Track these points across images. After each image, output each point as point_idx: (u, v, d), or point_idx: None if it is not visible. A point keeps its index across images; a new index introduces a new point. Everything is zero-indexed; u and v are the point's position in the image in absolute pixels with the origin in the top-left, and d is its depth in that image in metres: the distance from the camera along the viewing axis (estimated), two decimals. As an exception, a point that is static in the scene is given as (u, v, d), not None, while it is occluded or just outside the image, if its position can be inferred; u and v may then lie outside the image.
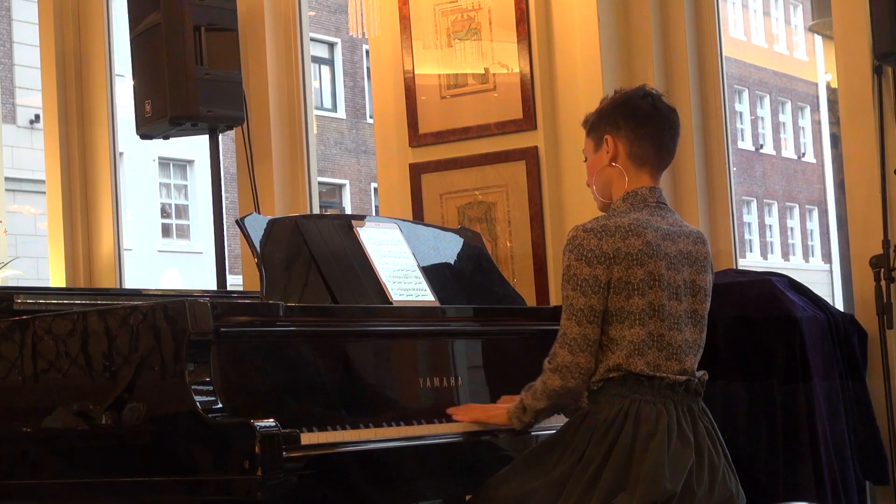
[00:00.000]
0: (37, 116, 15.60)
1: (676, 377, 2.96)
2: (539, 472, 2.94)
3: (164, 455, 2.88)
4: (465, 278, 3.80)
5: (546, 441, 3.04)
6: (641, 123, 3.09)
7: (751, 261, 21.51)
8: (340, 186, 20.73)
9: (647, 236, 2.97)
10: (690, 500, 2.85)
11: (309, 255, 3.41)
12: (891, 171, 4.26)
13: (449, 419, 3.28)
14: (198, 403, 2.80)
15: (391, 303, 3.43)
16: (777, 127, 23.90)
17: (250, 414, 2.85)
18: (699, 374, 3.05)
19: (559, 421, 3.26)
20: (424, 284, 3.55)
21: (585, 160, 3.21)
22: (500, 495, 2.96)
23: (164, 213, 18.76)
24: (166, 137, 5.19)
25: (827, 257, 23.27)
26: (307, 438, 2.87)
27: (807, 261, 23.76)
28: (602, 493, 2.83)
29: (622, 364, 2.94)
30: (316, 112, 13.12)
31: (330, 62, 20.63)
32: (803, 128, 24.41)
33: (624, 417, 2.91)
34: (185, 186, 18.84)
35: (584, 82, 4.62)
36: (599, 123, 3.14)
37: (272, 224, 3.41)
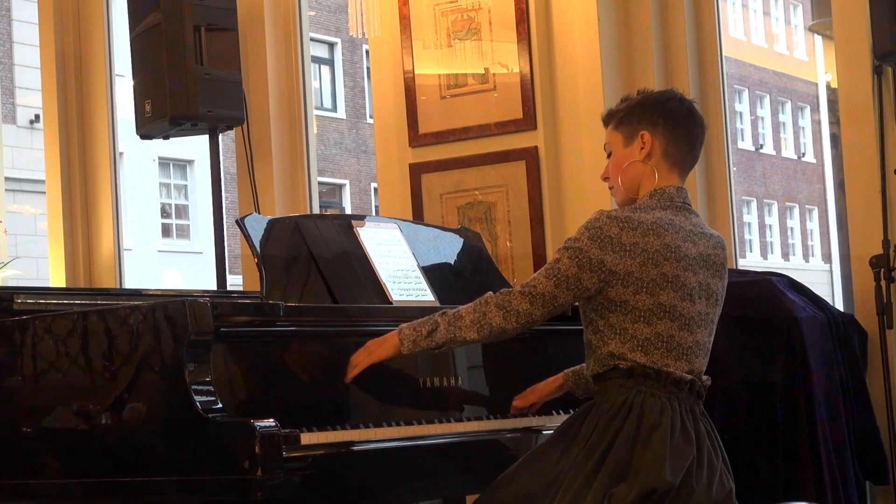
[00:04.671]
0: (37, 116, 15.60)
1: (682, 375, 2.97)
2: (544, 466, 2.95)
3: (163, 455, 2.88)
4: (465, 278, 3.80)
5: (551, 437, 3.04)
6: (678, 124, 3.11)
7: (751, 261, 21.52)
8: (340, 186, 20.74)
9: (666, 238, 2.97)
10: (689, 495, 2.86)
11: (309, 255, 3.41)
12: (891, 171, 4.26)
13: (449, 419, 3.28)
14: (198, 403, 2.80)
15: (391, 303, 3.43)
16: (777, 127, 23.91)
17: (250, 414, 2.85)
18: (704, 378, 3.06)
19: (559, 420, 3.26)
20: (424, 284, 3.55)
21: (609, 154, 3.19)
22: (507, 495, 2.95)
23: (164, 213, 18.76)
24: (166, 137, 5.19)
25: (827, 257, 23.28)
26: (307, 438, 2.87)
27: (807, 261, 23.77)
28: (603, 482, 2.83)
29: (626, 353, 2.95)
30: (316, 112, 13.12)
31: (330, 62, 20.63)
32: (803, 128, 24.43)
33: (629, 408, 2.92)
34: (185, 186, 18.84)
35: (584, 82, 4.62)
36: (633, 118, 3.13)
37: (272, 224, 3.41)
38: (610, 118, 3.19)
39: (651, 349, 2.95)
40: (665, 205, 3.05)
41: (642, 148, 3.10)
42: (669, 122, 3.10)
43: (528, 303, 2.98)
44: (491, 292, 3.05)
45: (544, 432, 3.35)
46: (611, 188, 3.20)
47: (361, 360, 3.12)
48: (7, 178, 9.78)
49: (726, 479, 2.97)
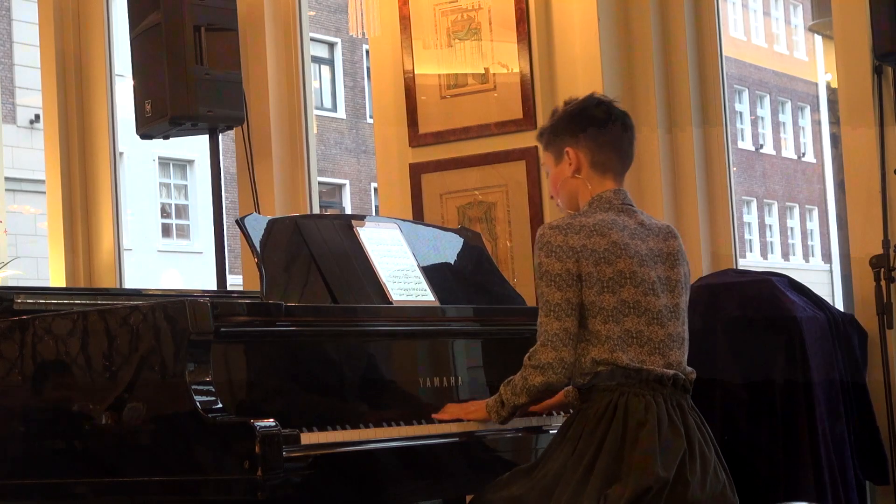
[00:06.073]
0: (37, 116, 15.60)
1: (663, 370, 2.99)
2: (537, 473, 2.97)
3: (163, 455, 2.88)
4: (465, 278, 3.80)
5: (547, 446, 3.06)
6: (600, 131, 3.14)
7: (751, 261, 21.52)
8: (340, 186, 20.73)
9: (612, 236, 3.01)
10: (684, 489, 2.88)
11: (309, 255, 3.41)
12: (891, 171, 4.26)
13: (448, 419, 3.28)
14: (198, 403, 2.80)
15: (391, 303, 3.43)
16: (777, 127, 23.90)
17: (250, 414, 2.85)
18: (688, 370, 3.07)
19: (559, 420, 3.27)
20: (424, 284, 3.55)
21: (547, 174, 3.25)
22: (497, 498, 2.98)
23: (164, 213, 18.76)
24: (166, 137, 5.19)
25: (827, 257, 23.28)
26: (307, 438, 2.87)
27: (807, 261, 23.76)
28: (596, 484, 2.86)
29: (607, 358, 2.98)
30: (316, 112, 13.12)
31: (330, 62, 20.63)
32: (803, 128, 24.42)
33: (613, 410, 2.94)
34: (185, 186, 18.84)
35: (584, 82, 4.62)
36: (557, 136, 3.19)
37: (272, 224, 3.41)
38: (541, 139, 3.25)
39: (625, 346, 2.98)
40: (605, 208, 3.10)
41: (570, 164, 3.15)
42: (590, 131, 3.14)
43: (551, 348, 3.00)
44: (528, 354, 3.06)
45: (544, 432, 3.35)
46: (558, 205, 3.26)
47: (455, 412, 3.22)
48: (7, 178, 9.76)
49: (720, 471, 2.99)
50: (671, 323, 3.05)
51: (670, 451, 2.90)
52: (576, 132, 3.14)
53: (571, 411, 3.23)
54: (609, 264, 2.99)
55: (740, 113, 22.79)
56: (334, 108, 20.62)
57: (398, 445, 3.10)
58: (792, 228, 24.05)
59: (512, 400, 3.08)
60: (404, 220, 3.84)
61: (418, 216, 4.84)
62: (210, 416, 2.80)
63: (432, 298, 3.53)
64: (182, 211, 18.98)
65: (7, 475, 3.21)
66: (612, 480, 2.85)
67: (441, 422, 3.22)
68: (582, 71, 4.63)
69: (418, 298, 3.51)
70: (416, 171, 4.88)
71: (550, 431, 3.27)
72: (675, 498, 2.86)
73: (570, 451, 2.93)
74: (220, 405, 2.85)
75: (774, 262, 22.47)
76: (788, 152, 24.09)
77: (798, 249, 24.01)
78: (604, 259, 2.99)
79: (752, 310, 4.06)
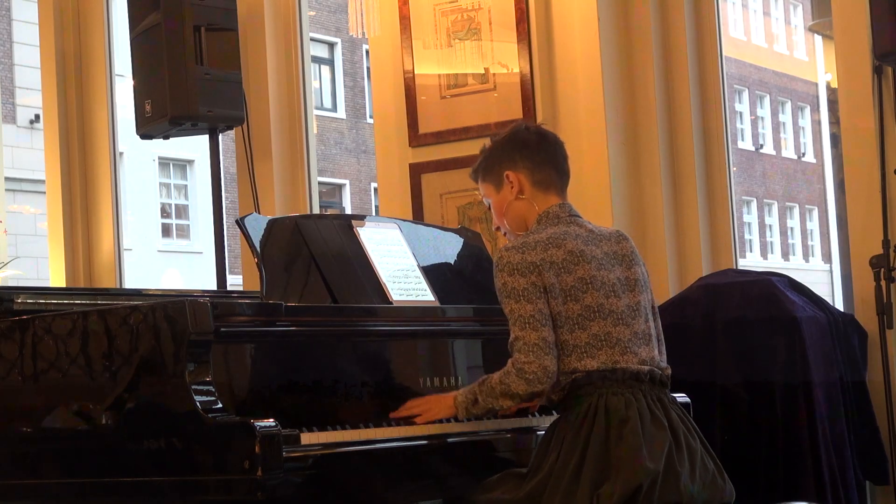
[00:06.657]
0: (37, 116, 15.60)
1: (639, 367, 3.02)
2: (524, 480, 2.99)
3: (163, 455, 2.88)
4: (465, 278, 3.80)
5: (532, 457, 3.08)
6: (535, 151, 3.21)
7: (751, 261, 21.52)
8: (340, 186, 20.73)
9: (567, 246, 3.06)
10: (675, 480, 2.90)
11: (309, 255, 3.41)
12: (891, 171, 4.26)
13: (448, 419, 3.28)
14: (198, 403, 2.80)
15: (391, 303, 3.43)
16: (777, 127, 23.91)
17: (250, 414, 2.85)
18: (664, 366, 3.11)
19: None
20: (424, 284, 3.55)
21: (489, 207, 3.30)
22: (483, 500, 3.02)
23: (164, 213, 18.76)
24: (166, 137, 5.19)
25: (827, 257, 23.28)
26: (307, 438, 2.87)
27: (807, 261, 23.77)
28: (586, 486, 2.87)
29: (577, 366, 3.01)
30: (316, 112, 13.11)
31: (330, 62, 20.63)
32: (803, 128, 24.42)
33: (594, 411, 2.97)
34: (185, 186, 18.84)
35: (584, 82, 4.62)
36: (493, 165, 3.25)
37: (272, 224, 3.41)
38: (476, 174, 3.31)
39: (595, 351, 3.01)
40: (554, 222, 3.15)
41: (512, 187, 3.21)
42: (525, 152, 3.21)
43: (535, 357, 3.00)
44: (511, 360, 3.04)
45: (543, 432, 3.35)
46: (504, 234, 3.30)
47: (419, 411, 3.18)
48: (7, 178, 9.77)
49: (708, 460, 3.02)
50: (635, 322, 3.08)
51: (656, 444, 2.92)
52: (512, 156, 3.21)
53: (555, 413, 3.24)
54: (569, 273, 3.03)
55: (740, 113, 22.79)
56: (334, 108, 20.62)
57: (398, 445, 3.10)
58: (792, 228, 24.06)
59: (489, 402, 3.07)
60: (404, 220, 3.84)
61: (418, 216, 4.84)
62: (210, 416, 2.80)
63: (432, 298, 3.53)
64: (182, 211, 18.98)
65: (7, 475, 3.21)
66: (601, 480, 2.88)
67: (436, 421, 3.22)
68: (582, 71, 4.63)
69: (418, 298, 3.51)
70: (416, 171, 4.88)
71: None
72: (667, 490, 2.89)
73: (555, 457, 2.95)
74: (220, 405, 2.85)
75: (774, 262, 22.48)
76: (788, 152, 24.09)
77: (798, 249, 24.02)
78: (563, 269, 3.03)
79: (752, 310, 4.06)
